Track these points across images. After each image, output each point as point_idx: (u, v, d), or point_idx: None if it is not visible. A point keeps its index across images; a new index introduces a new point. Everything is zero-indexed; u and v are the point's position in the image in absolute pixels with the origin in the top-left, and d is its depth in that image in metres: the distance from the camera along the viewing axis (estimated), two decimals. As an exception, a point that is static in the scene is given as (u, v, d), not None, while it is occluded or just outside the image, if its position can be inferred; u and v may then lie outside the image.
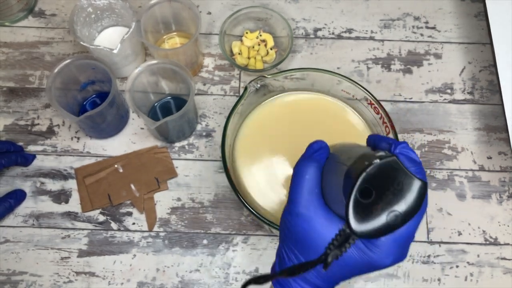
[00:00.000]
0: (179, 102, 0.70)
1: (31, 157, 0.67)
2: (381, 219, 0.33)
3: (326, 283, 0.40)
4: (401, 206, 0.33)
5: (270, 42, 0.73)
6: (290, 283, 0.40)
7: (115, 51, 0.63)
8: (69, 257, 0.63)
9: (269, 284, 0.43)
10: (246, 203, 0.55)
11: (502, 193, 0.67)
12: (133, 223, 0.65)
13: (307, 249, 0.38)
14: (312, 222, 0.38)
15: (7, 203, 0.63)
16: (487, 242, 0.65)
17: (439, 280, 0.64)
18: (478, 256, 0.65)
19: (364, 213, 0.33)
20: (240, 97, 0.58)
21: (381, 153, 0.34)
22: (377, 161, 0.33)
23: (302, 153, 0.42)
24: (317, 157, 0.41)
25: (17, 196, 0.64)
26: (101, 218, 0.65)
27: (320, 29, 0.76)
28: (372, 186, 0.33)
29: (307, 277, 0.39)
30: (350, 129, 0.63)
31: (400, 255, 0.38)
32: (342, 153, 0.40)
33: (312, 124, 0.63)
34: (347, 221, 0.33)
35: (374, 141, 0.40)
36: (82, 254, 0.64)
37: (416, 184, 0.34)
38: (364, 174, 0.33)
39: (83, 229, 0.65)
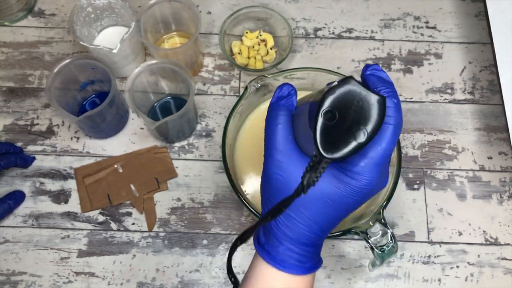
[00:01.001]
0: (179, 102, 0.69)
1: (31, 159, 0.67)
2: (348, 138, 0.34)
3: (316, 232, 0.39)
4: (364, 123, 0.35)
5: (270, 42, 0.73)
6: (277, 246, 0.39)
7: (114, 51, 0.63)
8: (68, 257, 0.63)
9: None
10: (247, 203, 0.54)
11: (503, 193, 0.67)
12: (133, 223, 0.65)
13: (287, 195, 0.37)
14: (289, 167, 0.38)
15: (6, 205, 0.63)
16: (488, 242, 0.65)
17: (439, 280, 0.64)
18: (479, 256, 0.65)
19: (332, 136, 0.34)
20: (241, 97, 0.58)
21: (338, 80, 0.35)
22: (335, 83, 0.35)
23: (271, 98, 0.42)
24: (286, 103, 0.40)
25: (16, 198, 0.64)
26: (101, 218, 0.65)
27: (320, 29, 0.76)
28: (334, 108, 0.34)
29: (295, 229, 0.38)
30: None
31: (382, 178, 0.38)
32: (309, 96, 0.40)
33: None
34: (316, 145, 0.34)
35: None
36: (81, 254, 0.63)
37: (374, 99, 0.35)
38: (324, 97, 0.34)
39: (82, 229, 0.64)
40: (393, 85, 0.38)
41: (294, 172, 0.38)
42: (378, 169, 0.36)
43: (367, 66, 0.38)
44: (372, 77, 0.38)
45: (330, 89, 0.35)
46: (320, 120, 0.34)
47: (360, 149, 0.35)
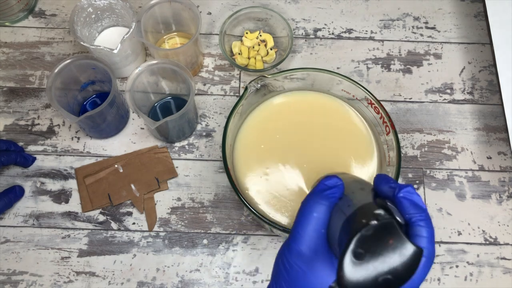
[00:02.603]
0: (179, 102, 0.70)
1: (31, 158, 0.67)
2: (373, 282, 0.32)
3: None
4: (393, 272, 0.32)
5: (270, 42, 0.73)
6: None
7: (115, 51, 0.63)
8: (69, 257, 0.63)
9: None
10: (247, 202, 0.55)
11: (502, 193, 0.68)
12: (133, 223, 0.65)
13: None
14: (312, 264, 0.35)
15: (6, 199, 0.63)
16: (487, 242, 0.65)
17: (438, 280, 0.64)
18: (478, 256, 0.65)
19: (356, 272, 0.32)
20: (241, 97, 0.59)
21: (380, 212, 0.33)
22: (374, 222, 0.32)
23: (314, 187, 0.38)
24: (329, 195, 0.37)
25: (16, 192, 0.64)
26: (101, 218, 0.65)
27: (320, 29, 0.76)
28: (365, 246, 0.32)
29: None
30: (350, 127, 0.63)
31: None
32: (345, 195, 0.38)
33: (312, 123, 0.63)
34: (339, 278, 0.32)
35: (379, 183, 0.37)
36: (82, 254, 0.64)
37: (410, 250, 0.32)
38: (358, 235, 0.32)
39: (83, 229, 0.65)
40: (427, 211, 0.35)
41: (316, 270, 0.35)
42: None
43: (399, 187, 0.35)
44: (405, 200, 0.34)
45: (366, 227, 0.32)
46: (346, 257, 0.32)
47: None
